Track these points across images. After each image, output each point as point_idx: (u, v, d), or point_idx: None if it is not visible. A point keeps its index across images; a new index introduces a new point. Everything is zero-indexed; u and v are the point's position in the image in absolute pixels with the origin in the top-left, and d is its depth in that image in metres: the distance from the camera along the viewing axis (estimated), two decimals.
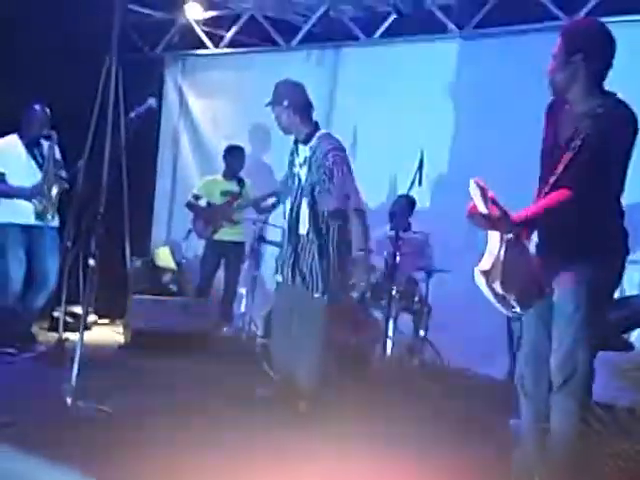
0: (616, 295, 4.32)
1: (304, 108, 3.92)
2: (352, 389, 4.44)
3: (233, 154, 6.11)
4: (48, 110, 5.07)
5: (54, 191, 5.03)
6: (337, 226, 3.89)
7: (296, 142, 4.00)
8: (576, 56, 2.53)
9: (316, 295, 3.84)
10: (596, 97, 2.54)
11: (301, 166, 3.93)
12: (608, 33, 2.60)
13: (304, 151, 3.93)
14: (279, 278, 4.02)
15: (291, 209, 3.94)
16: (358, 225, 3.87)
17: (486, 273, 2.48)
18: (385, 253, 5.32)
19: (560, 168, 2.48)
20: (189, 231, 6.16)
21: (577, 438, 2.06)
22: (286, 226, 3.99)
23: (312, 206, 3.86)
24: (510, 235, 2.46)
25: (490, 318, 5.24)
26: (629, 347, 2.34)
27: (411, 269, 5.29)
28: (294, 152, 4.02)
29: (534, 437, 2.57)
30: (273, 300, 4.21)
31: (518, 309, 2.58)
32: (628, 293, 4.64)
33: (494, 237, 2.52)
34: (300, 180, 3.92)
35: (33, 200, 4.97)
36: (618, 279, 2.62)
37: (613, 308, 2.58)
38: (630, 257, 4.73)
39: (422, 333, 5.08)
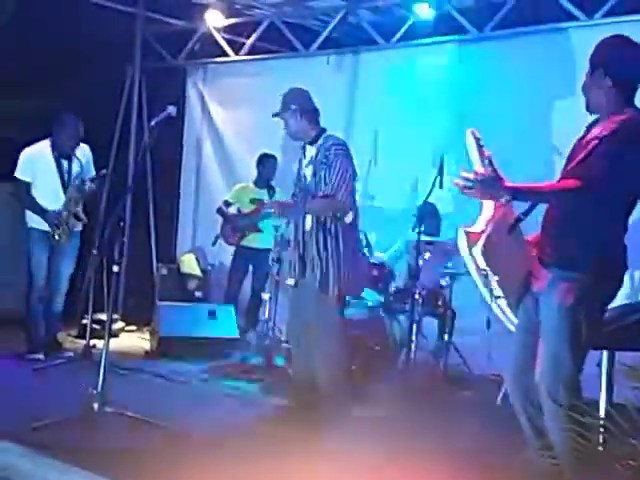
0: None
1: (311, 112, 4.00)
2: (376, 393, 4.44)
3: (265, 162, 6.12)
4: (81, 122, 5.06)
5: (71, 222, 5.06)
6: (341, 223, 3.89)
7: (303, 147, 4.07)
8: (598, 71, 2.56)
9: (323, 291, 3.83)
10: (622, 110, 2.53)
11: (307, 166, 4.01)
12: (633, 49, 2.58)
13: (310, 151, 4.01)
14: (290, 280, 4.06)
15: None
16: (327, 206, 3.84)
17: (470, 235, 2.41)
18: (409, 257, 5.33)
19: (574, 163, 2.48)
20: (216, 237, 6.19)
21: (575, 444, 2.02)
22: (293, 227, 4.04)
23: None
24: (503, 202, 2.40)
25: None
26: None
27: (436, 274, 5.27)
28: (301, 157, 4.10)
29: (536, 446, 2.54)
30: (289, 305, 4.23)
31: (502, 299, 2.48)
32: None
33: (488, 206, 2.47)
34: (306, 179, 4.00)
35: (51, 225, 4.99)
36: (614, 292, 2.56)
37: (634, 310, 2.53)
38: None
39: (446, 337, 5.05)
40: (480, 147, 2.37)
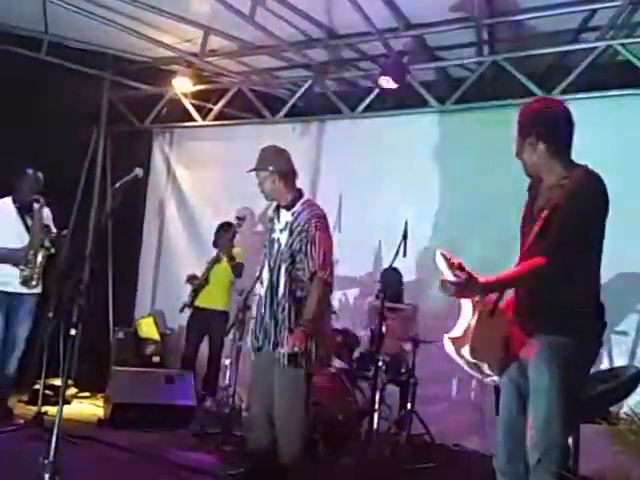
0: (604, 366, 4.34)
1: (289, 174, 3.85)
2: (338, 466, 4.32)
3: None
4: (41, 175, 5.12)
5: (39, 257, 5.03)
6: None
7: (277, 208, 3.94)
8: (530, 138, 2.62)
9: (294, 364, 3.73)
10: (561, 170, 2.59)
11: (281, 231, 3.84)
12: (560, 111, 2.66)
13: (286, 216, 3.85)
14: (257, 345, 3.93)
15: (270, 274, 3.82)
16: (316, 294, 3.69)
17: (454, 340, 2.53)
18: (371, 324, 5.30)
19: (532, 237, 2.51)
20: (184, 305, 6.07)
21: None
22: (264, 292, 3.85)
23: (290, 271, 3.76)
24: (479, 299, 2.49)
25: (480, 391, 5.20)
26: (616, 419, 2.30)
27: (399, 340, 5.25)
28: (274, 218, 3.94)
29: None
30: (252, 370, 4.09)
31: (494, 377, 2.60)
32: (616, 364, 4.64)
33: (467, 306, 2.55)
34: (280, 245, 3.82)
35: (20, 266, 4.96)
36: (595, 352, 2.59)
37: (600, 380, 2.54)
38: (618, 328, 4.76)
39: (409, 406, 4.98)
40: (450, 263, 2.43)
